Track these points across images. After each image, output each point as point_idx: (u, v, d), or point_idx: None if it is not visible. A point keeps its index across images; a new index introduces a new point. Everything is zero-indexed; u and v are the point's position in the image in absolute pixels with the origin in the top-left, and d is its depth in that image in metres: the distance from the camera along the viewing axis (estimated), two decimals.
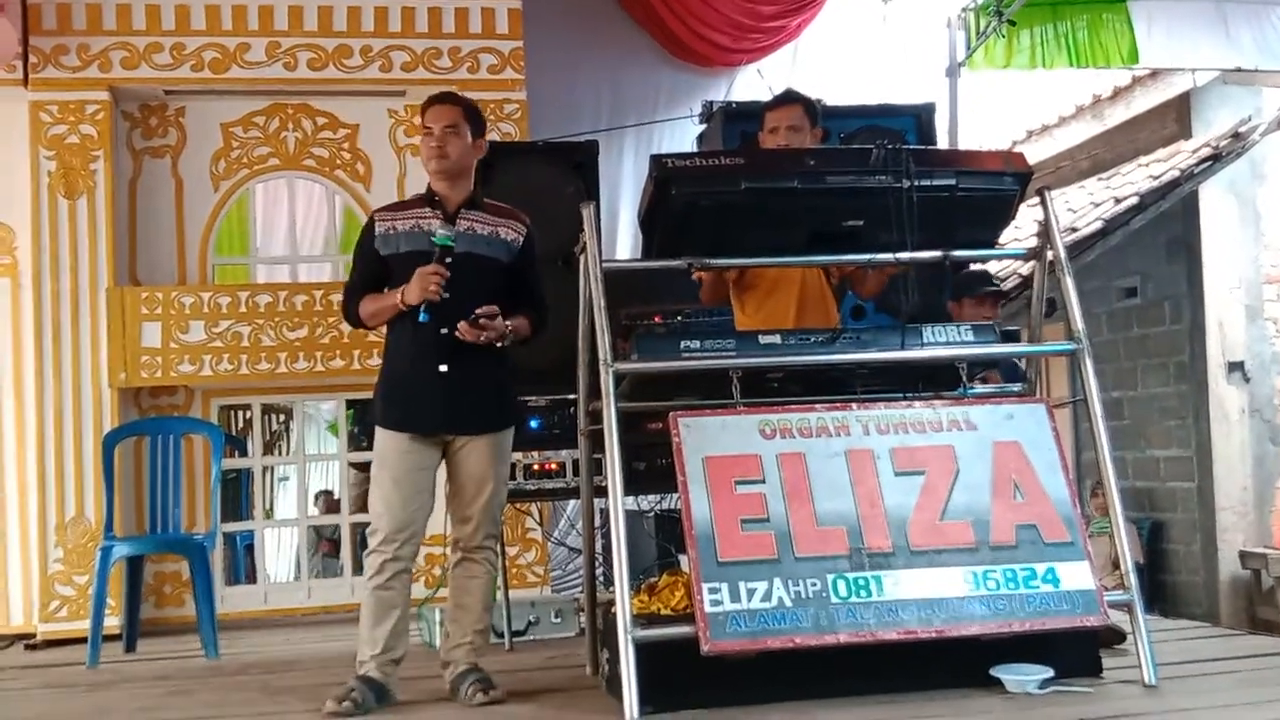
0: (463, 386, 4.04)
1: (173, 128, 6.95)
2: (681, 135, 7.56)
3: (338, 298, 6.15)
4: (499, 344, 4.07)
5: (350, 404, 7.13)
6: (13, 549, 6.44)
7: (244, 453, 7.14)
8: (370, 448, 4.22)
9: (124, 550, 5.50)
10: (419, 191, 4.36)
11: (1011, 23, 7.55)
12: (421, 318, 4.00)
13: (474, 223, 4.15)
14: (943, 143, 6.92)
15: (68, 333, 6.49)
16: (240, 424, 7.61)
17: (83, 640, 5.43)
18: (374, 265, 4.19)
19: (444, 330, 4.00)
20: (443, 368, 4.02)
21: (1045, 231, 3.92)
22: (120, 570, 5.66)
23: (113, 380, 6.47)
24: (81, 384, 6.46)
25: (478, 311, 3.98)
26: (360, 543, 7.00)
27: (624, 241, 7.87)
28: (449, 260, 4.03)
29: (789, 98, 4.49)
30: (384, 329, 4.24)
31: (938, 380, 3.92)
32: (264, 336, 6.61)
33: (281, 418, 8.58)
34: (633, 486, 3.59)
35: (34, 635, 6.31)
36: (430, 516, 4.16)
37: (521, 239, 4.21)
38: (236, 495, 7.37)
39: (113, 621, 5.75)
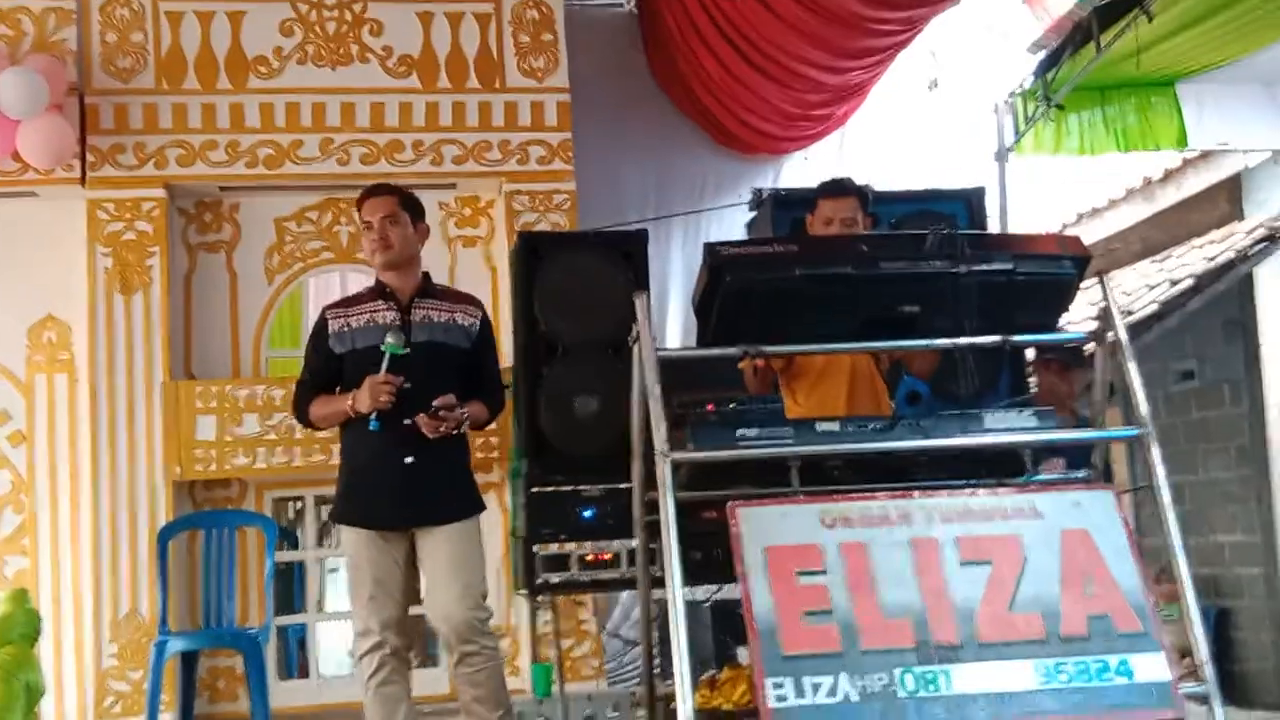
0: (426, 477, 4.02)
1: (227, 223, 7.05)
2: (730, 223, 7.59)
3: None
4: (456, 432, 4.04)
5: None
6: (67, 644, 6.44)
7: (295, 545, 7.13)
8: None
9: (178, 645, 5.48)
10: (368, 285, 4.36)
11: (1060, 107, 7.54)
12: (372, 425, 3.99)
13: (429, 310, 4.16)
14: (993, 227, 6.89)
15: (123, 427, 6.54)
16: (290, 516, 7.61)
17: None
18: (328, 363, 4.18)
19: (406, 421, 3.97)
20: (408, 460, 3.99)
21: (1105, 315, 3.86)
22: (174, 665, 5.64)
23: (167, 474, 6.50)
24: (136, 478, 6.50)
25: (435, 404, 3.96)
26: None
27: (673, 329, 7.87)
28: (405, 351, 4.01)
29: (844, 189, 4.47)
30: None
31: (1001, 466, 3.84)
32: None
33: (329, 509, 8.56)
34: (689, 577, 3.53)
35: None
36: (415, 603, 4.13)
37: (478, 322, 4.21)
38: (288, 588, 7.34)
39: (167, 717, 5.72)
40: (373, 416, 3.99)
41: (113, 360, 6.61)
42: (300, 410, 4.25)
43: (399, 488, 4.01)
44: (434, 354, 4.08)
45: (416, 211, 4.25)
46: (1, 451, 6.66)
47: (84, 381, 6.64)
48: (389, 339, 4.02)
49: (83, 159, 6.71)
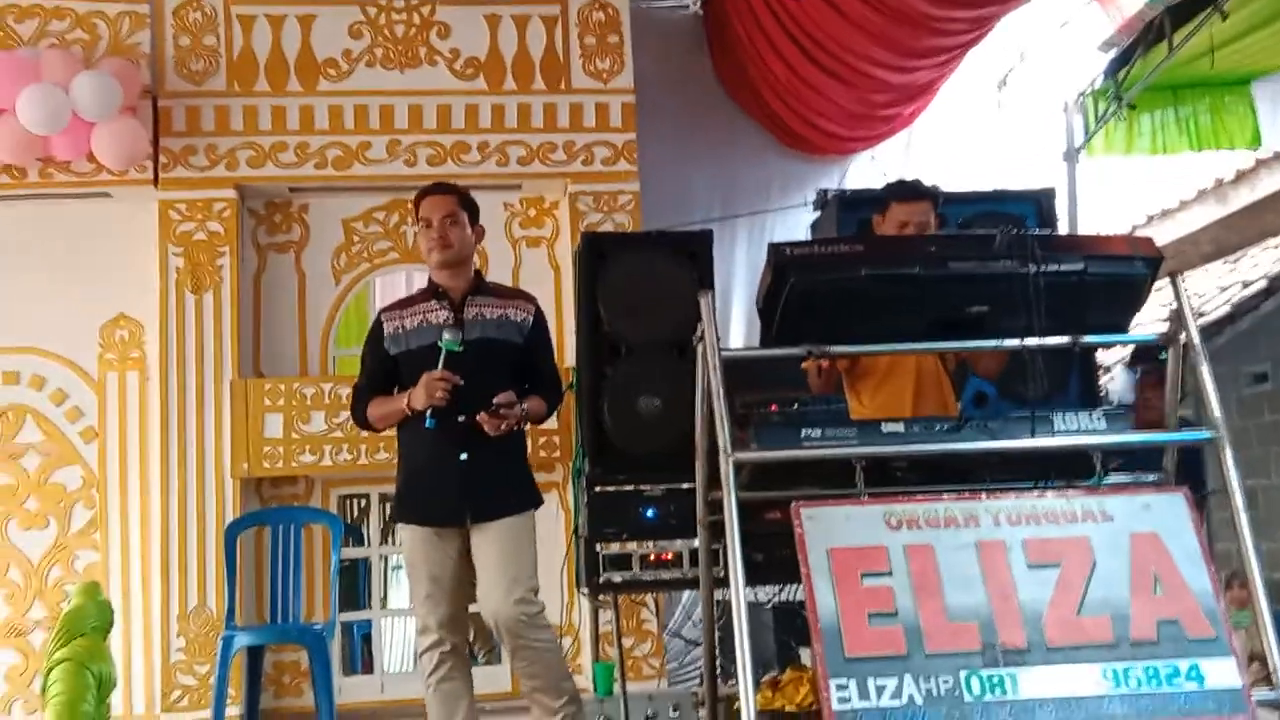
0: (483, 473, 4.03)
1: (296, 224, 7.13)
2: (795, 223, 7.56)
3: None
4: (516, 427, 4.05)
5: None
6: (136, 638, 6.53)
7: (361, 542, 7.19)
8: None
9: (245, 640, 5.54)
10: (421, 286, 4.39)
11: (1132, 106, 7.44)
12: (428, 423, 4.00)
13: (482, 308, 4.17)
14: (1063, 229, 6.81)
15: (192, 424, 6.63)
16: (355, 513, 7.67)
17: None
18: (384, 365, 4.21)
19: (461, 418, 3.98)
20: (463, 456, 4.00)
21: (1178, 316, 3.80)
22: (241, 660, 5.70)
23: (235, 471, 6.58)
24: (205, 474, 6.59)
25: (496, 400, 3.97)
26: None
27: (736, 330, 7.85)
28: (460, 349, 4.02)
29: (919, 192, 4.41)
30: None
31: (1070, 468, 3.80)
32: None
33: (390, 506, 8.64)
34: (751, 577, 3.52)
35: None
36: (473, 599, 4.13)
37: (531, 318, 4.21)
38: (353, 584, 7.41)
39: (233, 711, 5.79)
40: (429, 414, 4.00)
41: (183, 358, 6.71)
42: (358, 413, 4.30)
43: (455, 485, 4.03)
44: (488, 351, 4.10)
45: (474, 212, 4.28)
46: (74, 447, 6.77)
47: (155, 379, 6.74)
48: (446, 335, 4.04)
49: (155, 160, 6.81)
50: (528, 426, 4.21)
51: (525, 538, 4.19)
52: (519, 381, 4.14)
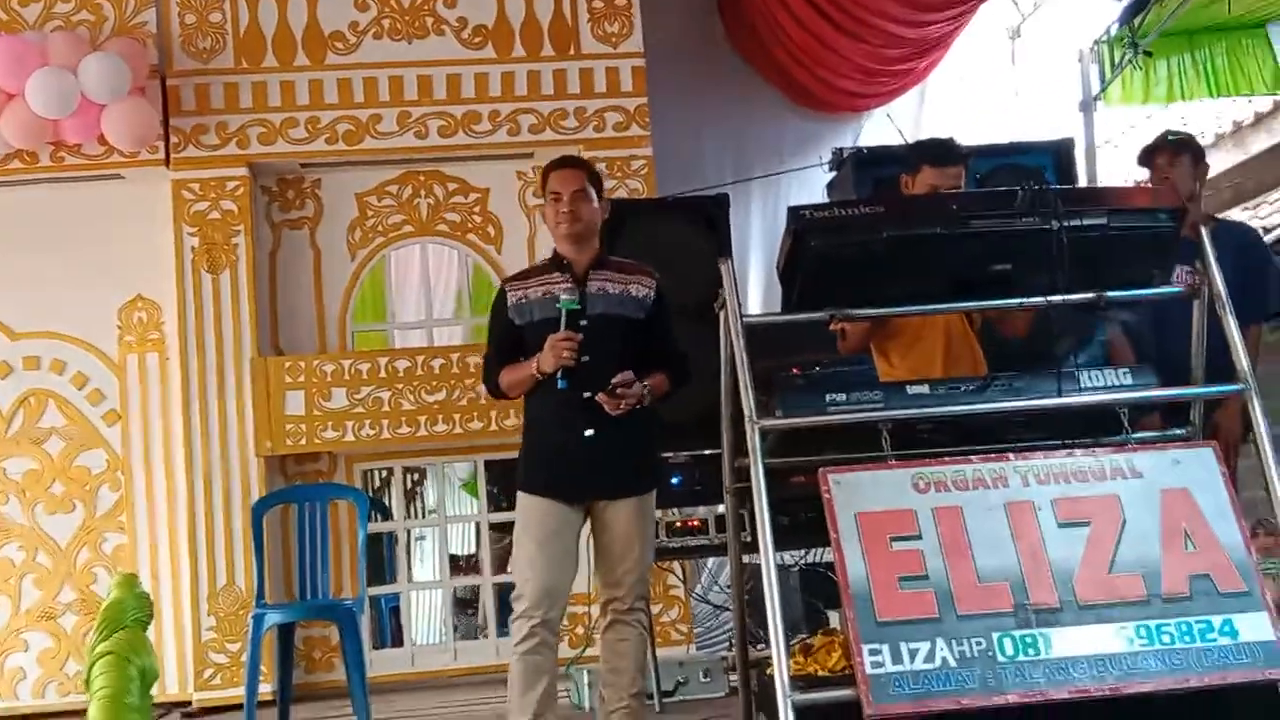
0: (607, 450, 4.02)
1: (309, 200, 7.11)
2: (811, 184, 7.50)
3: (474, 360, 6.24)
4: (639, 406, 4.04)
5: (490, 464, 7.14)
6: (166, 618, 6.56)
7: (386, 516, 7.21)
8: (508, 507, 4.23)
9: (276, 618, 5.55)
10: (545, 257, 4.37)
11: (1148, 53, 7.35)
12: (560, 384, 4.00)
13: (604, 282, 4.15)
14: (1081, 179, 6.75)
15: (214, 404, 6.65)
16: (377, 485, 7.70)
17: (237, 707, 5.51)
18: (510, 335, 4.20)
19: (585, 394, 3.99)
20: (588, 432, 4.01)
21: (1204, 268, 3.76)
22: (272, 637, 5.72)
23: (259, 449, 6.59)
24: (229, 454, 6.60)
25: (614, 381, 3.96)
26: (502, 605, 7.01)
27: (754, 294, 7.83)
28: (582, 323, 4.03)
29: (952, 156, 4.36)
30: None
31: (1098, 426, 3.77)
32: (404, 401, 6.69)
33: (416, 477, 8.65)
34: (778, 542, 3.51)
35: (190, 703, 6.43)
36: (575, 578, 4.13)
37: (653, 293, 4.19)
38: (379, 559, 7.44)
39: (265, 688, 5.81)
40: (560, 376, 4.01)
41: (202, 338, 6.71)
42: (490, 382, 4.30)
43: (580, 461, 4.04)
44: (610, 325, 4.09)
45: (600, 189, 4.27)
46: (97, 430, 6.79)
47: (175, 359, 6.74)
48: (563, 296, 4.05)
49: (166, 140, 6.78)
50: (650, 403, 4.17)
51: (649, 517, 4.22)
52: (642, 356, 4.12)
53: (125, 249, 6.85)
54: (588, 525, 4.18)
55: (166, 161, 6.80)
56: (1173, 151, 4.81)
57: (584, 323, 4.07)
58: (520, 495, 4.17)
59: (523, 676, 3.98)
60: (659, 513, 5.05)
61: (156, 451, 6.75)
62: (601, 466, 4.06)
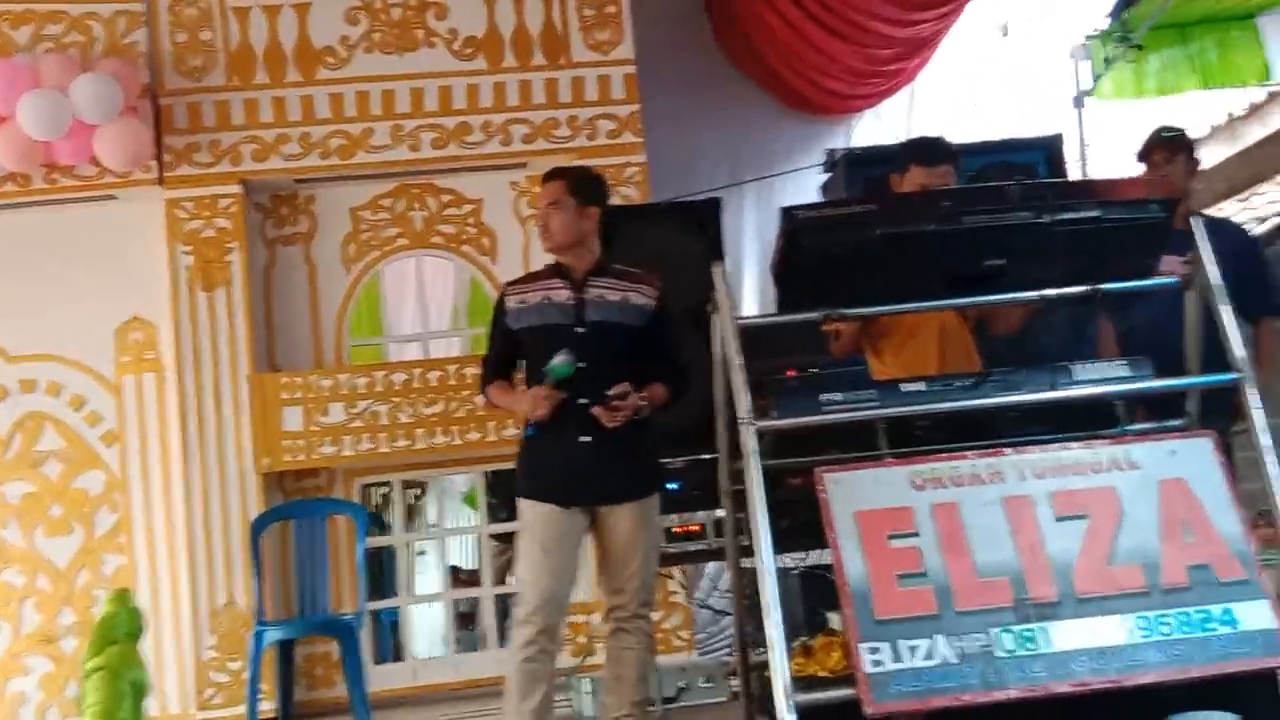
0: (605, 455, 4.02)
1: (303, 215, 7.10)
2: (804, 186, 7.50)
3: (472, 370, 6.22)
4: (636, 416, 4.03)
5: (490, 476, 7.13)
6: (166, 637, 6.54)
7: (385, 530, 7.19)
8: (508, 518, 4.22)
9: (276, 635, 5.54)
10: (550, 262, 4.37)
11: (1139, 47, 7.35)
12: (528, 431, 4.02)
13: (603, 290, 4.14)
14: (1074, 174, 6.75)
15: (211, 422, 6.63)
16: (376, 501, 7.68)
17: None
18: (506, 339, 4.21)
19: (582, 400, 3.98)
20: (584, 439, 4.00)
21: (1197, 258, 3.75)
22: (272, 654, 5.71)
23: (257, 466, 6.58)
24: (227, 471, 6.58)
25: (609, 394, 3.95)
26: (501, 615, 7.00)
27: (749, 297, 7.82)
28: (579, 330, 4.03)
29: (941, 155, 4.37)
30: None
31: (1094, 419, 3.76)
32: (401, 414, 6.68)
33: (418, 492, 8.64)
34: (777, 544, 3.50)
35: None
36: (576, 586, 4.12)
37: (653, 302, 4.18)
38: (379, 573, 7.42)
39: (267, 706, 5.80)
40: (553, 383, 4.02)
41: (199, 356, 6.69)
42: (482, 386, 4.33)
43: (576, 466, 4.04)
44: (608, 334, 4.09)
45: (585, 195, 4.21)
46: (95, 452, 6.76)
47: (171, 379, 6.72)
48: (557, 359, 4.01)
49: (159, 159, 6.77)
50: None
51: (652, 521, 4.21)
52: (641, 365, 4.11)
53: (120, 269, 6.83)
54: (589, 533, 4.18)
55: (160, 180, 6.79)
56: (1170, 148, 4.83)
57: (581, 330, 4.07)
58: (521, 502, 4.16)
59: (520, 684, 3.97)
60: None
61: (155, 471, 6.73)
62: (601, 471, 4.05)
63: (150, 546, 6.68)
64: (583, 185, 4.24)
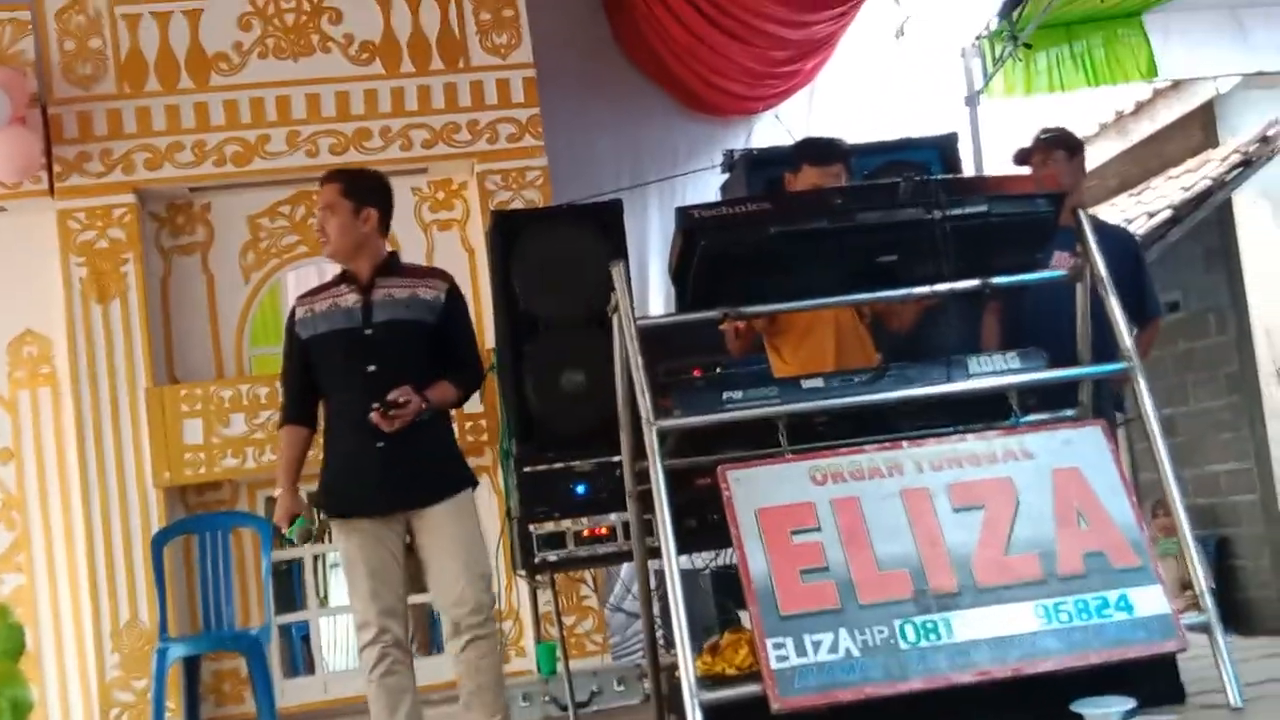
0: (402, 459, 3.97)
1: (200, 224, 6.99)
2: (705, 186, 7.53)
3: None
4: (418, 418, 3.99)
5: None
6: (70, 658, 6.42)
7: (292, 543, 7.09)
8: None
9: (179, 651, 5.44)
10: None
11: (1027, 46, 7.50)
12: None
13: (390, 288, 4.12)
14: (968, 173, 6.85)
15: (109, 437, 6.50)
16: None
17: None
18: (298, 349, 4.18)
19: (375, 405, 3.93)
20: (380, 445, 3.95)
21: (1084, 251, 3.84)
22: (178, 671, 5.61)
23: (157, 480, 6.46)
24: (127, 487, 6.46)
25: (388, 398, 3.90)
26: (418, 626, 6.94)
27: (655, 298, 7.83)
28: (367, 332, 4.06)
29: (831, 155, 4.42)
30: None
31: (989, 410, 3.83)
32: None
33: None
34: (686, 545, 3.52)
35: None
36: (410, 592, 4.12)
37: (443, 295, 4.15)
38: (289, 586, 7.32)
39: None
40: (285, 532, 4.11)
41: (94, 370, 6.55)
42: (283, 419, 4.28)
43: (377, 473, 3.98)
44: (396, 331, 4.05)
45: (361, 196, 4.13)
46: None
47: (67, 394, 6.58)
48: (289, 527, 4.08)
49: (49, 170, 6.63)
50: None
51: (470, 520, 4.13)
52: (435, 362, 4.09)
53: (12, 282, 6.67)
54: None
55: (51, 191, 6.65)
56: (1045, 148, 4.91)
57: (369, 332, 4.05)
58: (333, 523, 4.13)
59: (385, 700, 3.95)
60: (568, 522, 5.04)
61: (53, 488, 6.59)
62: (399, 477, 4.00)
63: (50, 565, 6.53)
64: (358, 186, 4.17)
